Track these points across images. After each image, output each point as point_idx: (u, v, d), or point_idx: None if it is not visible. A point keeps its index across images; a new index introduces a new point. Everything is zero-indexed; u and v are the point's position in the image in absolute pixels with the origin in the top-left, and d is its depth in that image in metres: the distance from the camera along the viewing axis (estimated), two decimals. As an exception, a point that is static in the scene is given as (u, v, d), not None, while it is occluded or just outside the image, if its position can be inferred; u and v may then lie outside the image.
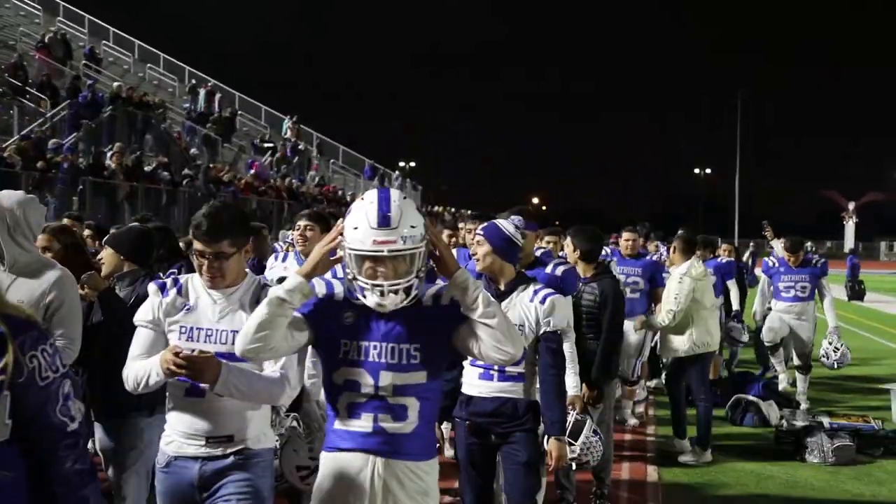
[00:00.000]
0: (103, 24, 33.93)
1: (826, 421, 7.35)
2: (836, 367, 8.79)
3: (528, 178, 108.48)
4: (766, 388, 8.63)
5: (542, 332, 3.84)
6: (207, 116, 27.29)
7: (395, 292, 2.72)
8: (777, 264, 8.97)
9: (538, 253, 5.12)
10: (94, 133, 18.51)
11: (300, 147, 29.41)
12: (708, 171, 74.96)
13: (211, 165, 19.95)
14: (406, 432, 2.82)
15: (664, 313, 6.95)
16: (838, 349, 8.65)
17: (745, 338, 9.44)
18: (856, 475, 6.60)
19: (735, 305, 9.25)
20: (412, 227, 2.72)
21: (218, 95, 31.17)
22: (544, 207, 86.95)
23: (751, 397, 8.26)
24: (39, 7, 32.13)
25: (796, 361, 8.91)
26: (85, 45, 29.61)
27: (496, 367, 3.80)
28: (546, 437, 3.93)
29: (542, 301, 3.84)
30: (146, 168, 16.76)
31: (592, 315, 5.53)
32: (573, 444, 4.26)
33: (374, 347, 2.81)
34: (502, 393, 3.88)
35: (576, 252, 5.67)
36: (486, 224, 4.00)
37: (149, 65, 33.47)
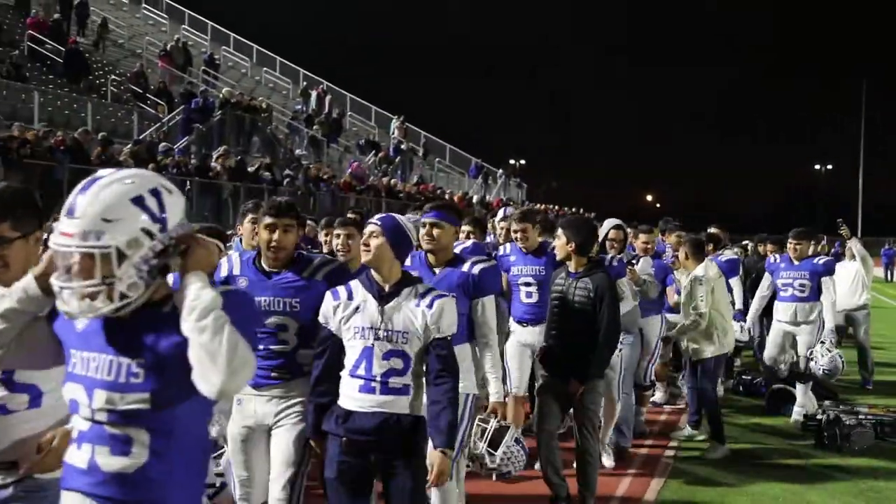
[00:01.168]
0: (224, 30, 36.03)
1: (863, 411, 7.68)
2: (821, 373, 8.08)
3: (642, 174, 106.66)
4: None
5: (430, 339, 3.54)
6: (315, 118, 28.59)
7: (76, 297, 2.16)
8: (778, 259, 8.57)
9: (458, 249, 5.17)
10: (204, 136, 19.90)
11: (403, 147, 30.31)
12: (829, 166, 72.22)
13: (309, 165, 20.99)
14: (128, 473, 2.22)
15: (693, 317, 6.97)
16: (829, 352, 8.01)
17: (745, 337, 9.19)
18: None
19: (738, 304, 8.95)
20: (106, 220, 2.14)
21: (328, 97, 32.54)
22: (658, 205, 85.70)
23: (789, 388, 8.36)
24: (166, 16, 34.35)
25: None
26: (206, 50, 31.51)
27: (378, 378, 3.49)
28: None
29: (430, 305, 3.53)
30: (249, 169, 17.93)
31: (585, 311, 5.23)
32: (493, 454, 4.21)
33: (94, 360, 2.27)
34: (385, 408, 3.50)
35: (569, 245, 5.34)
36: (383, 215, 3.80)
37: (265, 68, 35.23)
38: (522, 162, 62.28)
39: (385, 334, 3.52)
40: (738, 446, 7.37)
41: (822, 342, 8.13)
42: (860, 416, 7.51)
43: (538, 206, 38.33)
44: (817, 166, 72.41)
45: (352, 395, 3.54)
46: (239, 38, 36.02)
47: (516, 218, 6.48)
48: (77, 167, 13.25)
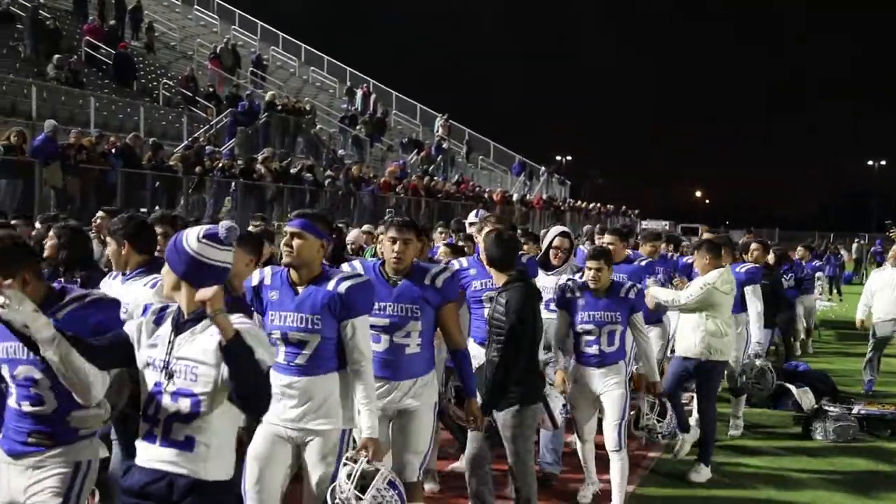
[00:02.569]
0: (273, 29, 36.93)
1: (857, 408, 8.24)
2: (752, 387, 7.71)
3: (691, 171, 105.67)
4: (811, 377, 9.17)
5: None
6: (359, 117, 29.28)
7: None
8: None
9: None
10: (249, 138, 20.69)
11: (444, 146, 30.85)
12: (883, 162, 70.98)
13: (351, 165, 21.66)
14: None
15: (674, 293, 6.80)
16: (756, 366, 7.63)
17: None
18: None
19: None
20: None
21: (373, 96, 33.23)
22: (707, 201, 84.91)
23: (787, 384, 8.71)
24: (217, 17, 35.32)
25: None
26: (255, 50, 32.39)
27: (161, 424, 2.95)
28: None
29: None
30: (292, 170, 18.64)
31: (499, 329, 4.84)
32: (361, 499, 3.58)
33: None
34: (161, 464, 2.96)
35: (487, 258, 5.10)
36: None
37: (312, 68, 36.06)
38: (569, 158, 62.53)
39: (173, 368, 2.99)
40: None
41: (755, 356, 7.68)
42: (845, 410, 8.05)
43: (585, 203, 38.62)
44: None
45: (138, 444, 3.06)
46: (287, 37, 36.94)
47: (477, 229, 6.23)
48: (129, 171, 14.08)
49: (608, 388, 5.71)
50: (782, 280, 10.95)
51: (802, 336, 12.82)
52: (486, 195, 27.21)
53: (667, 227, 36.76)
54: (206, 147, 16.81)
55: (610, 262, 5.71)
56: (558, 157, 59.88)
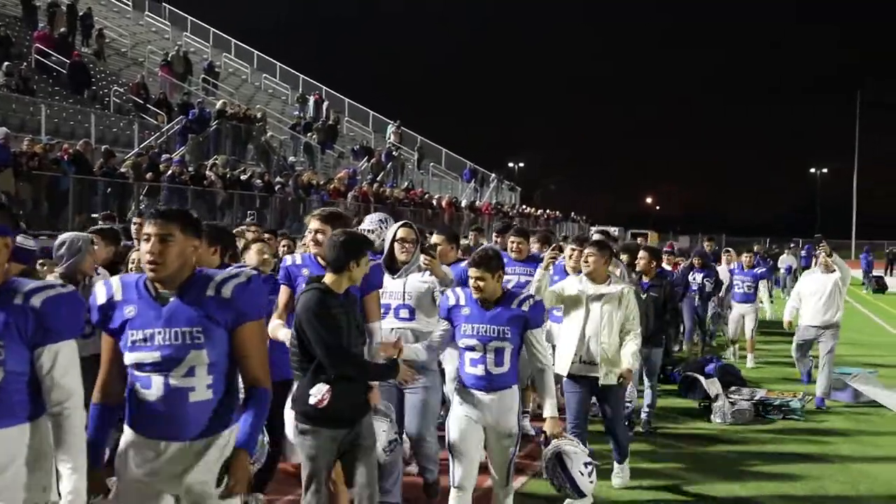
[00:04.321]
0: (226, 36, 37.19)
1: (758, 395, 9.29)
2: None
3: (644, 179, 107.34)
4: (721, 370, 9.89)
5: None
6: (312, 124, 29.73)
7: None
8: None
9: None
10: (201, 145, 21.05)
11: (395, 153, 31.39)
12: (824, 170, 73.32)
13: (302, 172, 22.13)
14: None
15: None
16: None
17: None
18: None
19: None
20: None
21: (325, 103, 33.67)
22: (658, 207, 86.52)
23: (696, 375, 9.46)
24: (168, 24, 35.49)
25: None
26: (207, 57, 32.66)
27: None
28: None
29: None
30: (242, 177, 19.05)
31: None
32: None
33: None
34: None
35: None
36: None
37: (265, 75, 36.40)
38: (521, 165, 63.48)
39: None
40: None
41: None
42: (742, 396, 9.08)
43: (534, 210, 39.39)
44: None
45: None
46: (240, 44, 37.24)
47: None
48: (81, 177, 14.42)
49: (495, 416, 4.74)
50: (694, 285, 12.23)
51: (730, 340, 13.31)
52: (434, 201, 27.81)
53: (615, 233, 37.69)
54: (163, 156, 17.15)
55: (493, 270, 4.70)
56: (510, 164, 60.93)
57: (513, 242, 7.63)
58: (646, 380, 8.16)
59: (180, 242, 3.11)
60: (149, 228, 3.10)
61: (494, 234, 8.97)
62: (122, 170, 15.45)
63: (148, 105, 22.48)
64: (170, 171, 16.41)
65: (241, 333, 3.18)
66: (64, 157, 14.28)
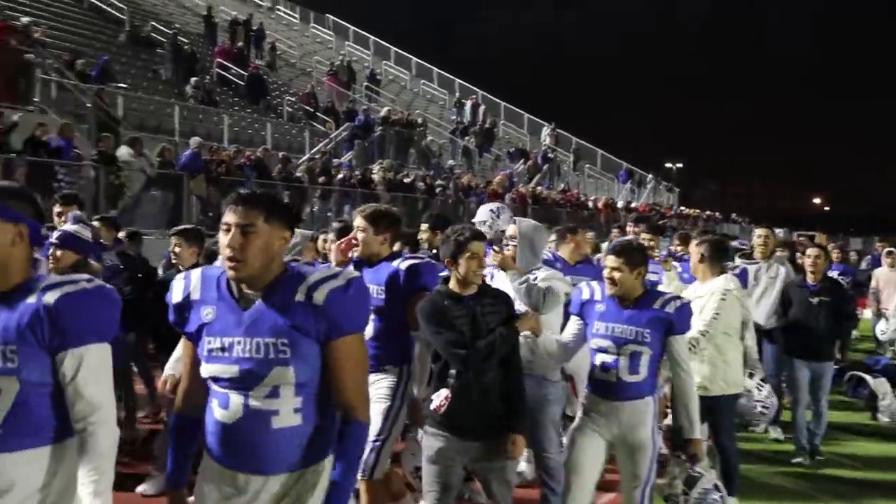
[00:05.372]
0: (385, 44, 38.61)
1: None
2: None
3: (816, 177, 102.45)
4: (889, 368, 9.61)
5: None
6: (469, 128, 30.46)
7: None
8: None
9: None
10: (366, 150, 22.08)
11: (550, 155, 31.65)
12: None
13: (461, 175, 22.79)
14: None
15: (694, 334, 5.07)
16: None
17: None
18: None
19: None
20: None
21: (482, 107, 34.36)
22: (826, 208, 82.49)
23: (862, 374, 9.17)
24: (332, 34, 37.22)
25: None
26: (369, 65, 34.04)
27: None
28: None
29: None
30: (405, 180, 19.88)
31: None
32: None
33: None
34: None
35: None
36: None
37: (423, 81, 37.54)
38: (679, 165, 62.12)
39: None
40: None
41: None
42: None
43: (693, 211, 38.63)
44: None
45: None
46: (400, 51, 38.57)
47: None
48: (262, 181, 15.54)
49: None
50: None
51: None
52: (590, 203, 27.88)
53: (780, 235, 36.32)
54: (334, 160, 18.22)
55: (633, 263, 4.22)
56: (668, 165, 59.76)
57: (643, 240, 6.62)
58: (804, 400, 6.86)
59: (264, 234, 2.56)
60: (229, 217, 2.58)
61: (629, 225, 8.48)
62: (298, 174, 16.52)
63: (317, 113, 23.75)
64: (340, 175, 17.39)
65: (335, 349, 2.60)
66: (247, 164, 15.44)
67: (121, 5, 22.97)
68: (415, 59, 38.55)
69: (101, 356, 2.50)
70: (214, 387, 2.63)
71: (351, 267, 4.54)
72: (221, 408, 2.61)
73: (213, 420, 2.66)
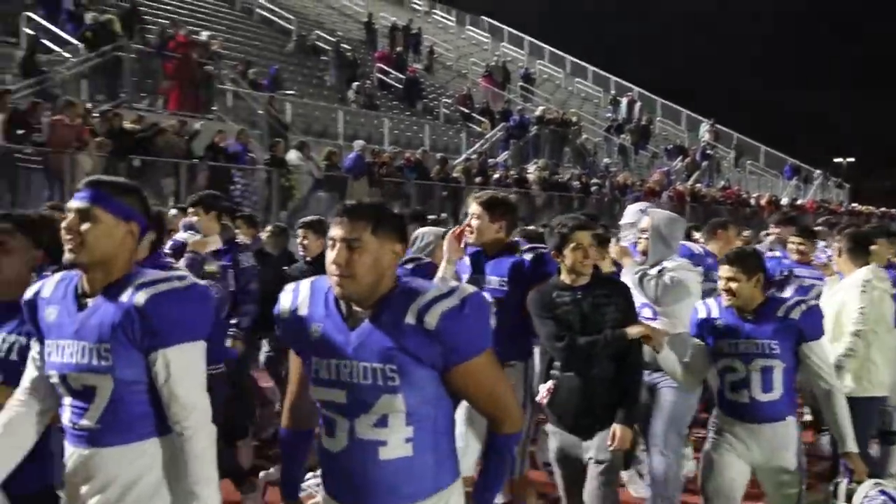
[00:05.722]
0: (540, 43, 38.71)
1: None
2: None
3: None
4: None
5: None
6: (625, 125, 30.15)
7: None
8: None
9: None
10: (521, 150, 22.32)
11: (709, 152, 30.84)
12: None
13: (617, 173, 22.64)
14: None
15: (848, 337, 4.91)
16: None
17: None
18: None
19: None
20: None
21: (638, 104, 33.86)
22: None
23: None
24: (488, 35, 37.67)
25: None
26: (523, 65, 34.25)
27: None
28: None
29: None
30: (560, 179, 19.96)
31: None
32: None
33: None
34: None
35: None
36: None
37: (577, 79, 37.40)
38: (851, 160, 58.64)
39: None
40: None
41: None
42: None
43: (866, 207, 36.51)
44: None
45: None
46: (554, 50, 38.57)
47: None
48: (420, 182, 16.07)
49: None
50: None
51: None
52: (752, 200, 26.99)
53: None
54: (490, 160, 18.58)
55: (750, 271, 3.91)
56: (838, 160, 56.71)
57: (793, 242, 6.50)
58: None
59: (372, 248, 2.32)
60: (334, 231, 2.36)
61: (772, 226, 8.07)
62: (455, 175, 16.94)
63: (473, 114, 24.18)
64: (496, 175, 17.70)
65: (459, 375, 2.34)
66: (407, 165, 16.00)
67: (288, 16, 24.18)
68: (570, 57, 38.44)
69: (194, 356, 2.47)
70: (324, 411, 2.42)
71: (466, 259, 4.36)
72: (328, 435, 2.42)
73: (321, 448, 2.49)
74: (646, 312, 4.56)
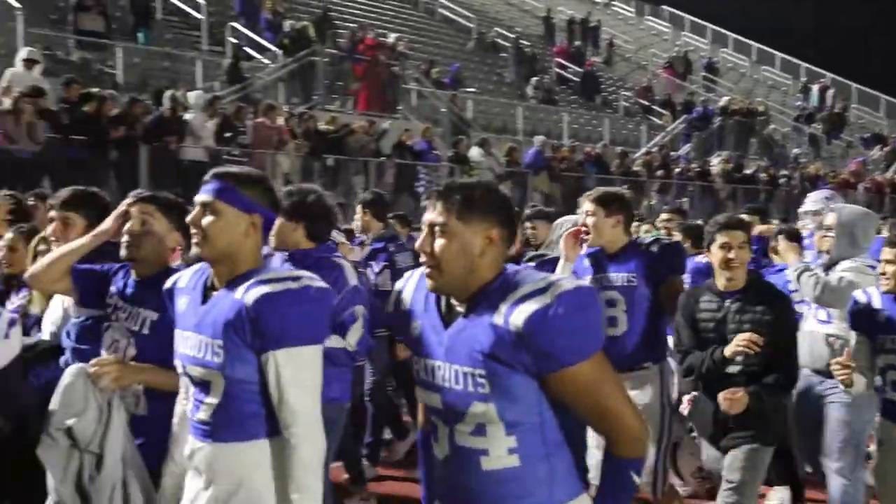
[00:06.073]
0: (724, 31, 37.39)
1: None
2: None
3: None
4: None
5: None
6: (816, 114, 28.68)
7: None
8: None
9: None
10: (704, 142, 21.75)
11: (912, 138, 28.84)
12: None
13: (807, 164, 21.63)
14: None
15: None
16: None
17: None
18: None
19: None
20: None
21: (831, 91, 32.06)
22: None
23: None
24: (669, 25, 36.80)
25: None
26: (706, 55, 33.23)
27: None
28: None
29: None
30: (746, 172, 19.33)
31: None
32: None
33: None
34: None
35: None
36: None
37: (763, 67, 35.85)
38: None
39: None
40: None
41: None
42: None
43: None
44: None
45: None
46: (739, 38, 37.15)
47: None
48: (601, 177, 16.05)
49: None
50: None
51: None
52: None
53: None
54: (670, 153, 18.32)
55: None
56: None
57: None
58: None
59: (458, 234, 2.07)
60: (425, 214, 2.13)
61: None
62: (635, 168, 16.81)
63: (653, 106, 23.79)
64: (678, 169, 17.41)
65: (557, 383, 2.03)
66: (586, 160, 16.04)
67: (469, 14, 24.66)
68: (755, 44, 36.92)
69: (306, 360, 2.35)
70: (429, 414, 2.22)
71: (586, 260, 4.07)
72: (433, 439, 2.20)
73: (425, 452, 2.37)
74: (821, 315, 4.21)
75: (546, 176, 14.78)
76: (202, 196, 2.41)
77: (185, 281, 2.57)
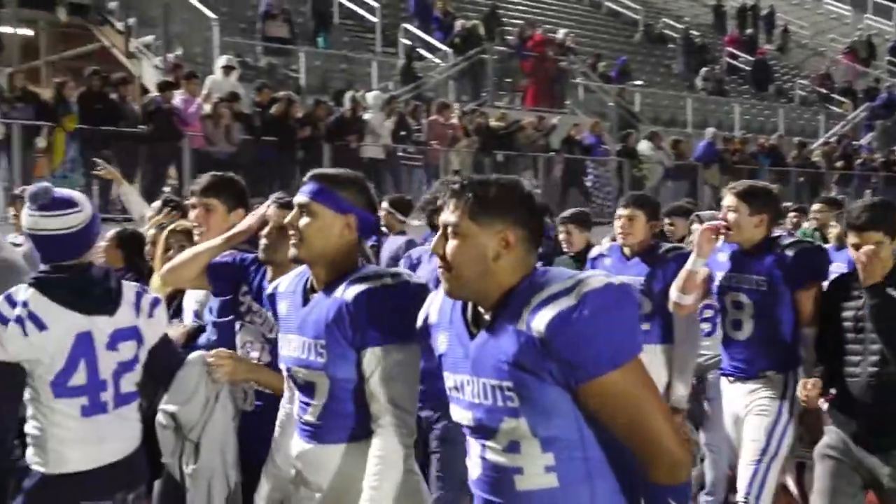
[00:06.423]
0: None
1: None
2: None
3: None
4: None
5: None
6: None
7: None
8: None
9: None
10: (889, 131, 20.59)
11: None
12: None
13: None
14: None
15: None
16: None
17: None
18: None
19: None
20: None
21: None
22: None
23: None
24: (849, 8, 34.82)
25: None
26: (891, 38, 31.25)
27: None
28: None
29: None
30: (937, 161, 18.19)
31: None
32: None
33: None
34: None
35: None
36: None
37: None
38: None
39: None
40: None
41: None
42: None
43: None
44: None
45: None
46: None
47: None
48: (775, 169, 15.60)
49: None
50: None
51: None
52: None
53: None
54: (853, 143, 17.55)
55: None
56: None
57: None
58: None
59: (471, 236, 1.91)
60: (442, 214, 2.00)
61: None
62: (814, 159, 16.20)
63: (832, 94, 22.72)
64: (860, 160, 16.64)
65: (585, 397, 1.84)
66: (759, 151, 15.62)
67: (635, 6, 24.36)
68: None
69: (401, 358, 2.32)
70: (465, 430, 2.06)
71: (720, 255, 3.82)
72: (468, 457, 2.05)
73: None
74: None
75: (717, 169, 14.51)
76: (299, 198, 2.42)
77: (285, 285, 2.58)
